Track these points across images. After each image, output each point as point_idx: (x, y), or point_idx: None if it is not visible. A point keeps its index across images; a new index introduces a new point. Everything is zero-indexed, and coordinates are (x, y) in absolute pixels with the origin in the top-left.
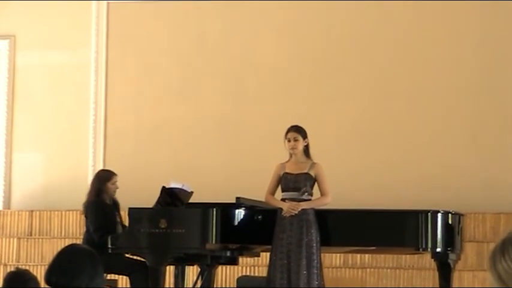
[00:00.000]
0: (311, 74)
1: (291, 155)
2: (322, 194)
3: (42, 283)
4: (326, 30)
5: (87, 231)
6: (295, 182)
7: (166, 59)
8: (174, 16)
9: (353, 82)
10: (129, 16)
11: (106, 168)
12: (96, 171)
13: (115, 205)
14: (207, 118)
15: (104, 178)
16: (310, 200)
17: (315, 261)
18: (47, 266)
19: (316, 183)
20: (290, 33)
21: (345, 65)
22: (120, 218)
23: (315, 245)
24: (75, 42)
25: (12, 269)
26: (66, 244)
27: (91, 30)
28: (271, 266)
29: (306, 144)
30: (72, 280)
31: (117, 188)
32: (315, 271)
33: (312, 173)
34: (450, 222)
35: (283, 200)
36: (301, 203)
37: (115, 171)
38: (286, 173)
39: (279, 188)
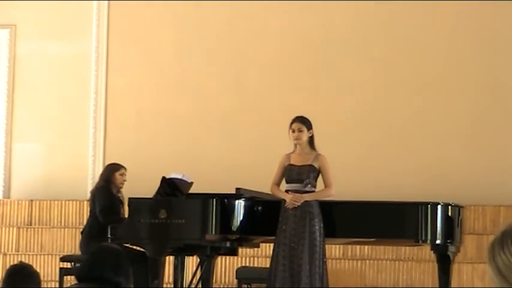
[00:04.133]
0: (312, 66)
1: (295, 146)
2: (326, 185)
3: (43, 277)
4: (327, 23)
5: (91, 216)
6: (299, 174)
7: (168, 50)
8: (175, 7)
9: (355, 75)
10: (130, 7)
11: (106, 158)
12: (96, 161)
13: (120, 200)
14: (208, 108)
15: (112, 168)
16: (313, 191)
17: (318, 253)
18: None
19: (320, 175)
20: (291, 26)
21: (347, 58)
22: (124, 213)
23: (318, 236)
24: (76, 33)
25: (16, 263)
26: (66, 234)
27: (92, 21)
28: (273, 257)
29: (310, 135)
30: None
31: (125, 180)
32: (318, 263)
33: (316, 165)
34: (450, 214)
35: (287, 191)
36: (304, 194)
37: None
38: (291, 165)
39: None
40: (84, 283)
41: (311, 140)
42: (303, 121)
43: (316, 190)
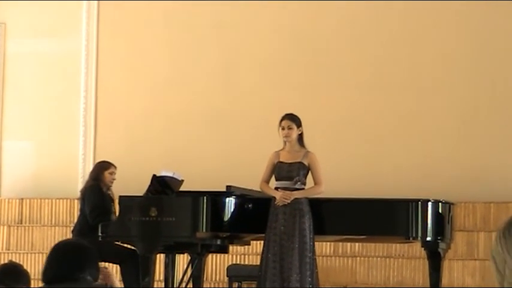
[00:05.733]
0: (304, 63)
1: (285, 143)
2: (316, 183)
3: (33, 276)
4: (319, 19)
5: (81, 214)
6: (289, 171)
7: (158, 48)
8: (165, 5)
9: (346, 72)
10: (120, 4)
11: (96, 156)
12: (87, 159)
13: (110, 197)
14: (198, 107)
15: (102, 167)
16: (303, 189)
17: (308, 250)
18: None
19: (310, 172)
20: (282, 23)
21: (339, 56)
22: (115, 211)
23: (308, 234)
24: (66, 30)
25: (6, 262)
26: (56, 232)
27: (82, 18)
28: (263, 254)
29: (300, 132)
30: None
31: (114, 179)
32: (308, 260)
33: (306, 162)
34: (440, 211)
35: (276, 188)
36: (294, 192)
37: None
38: (280, 162)
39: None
40: (52, 284)
41: (300, 138)
42: (293, 118)
43: (306, 187)
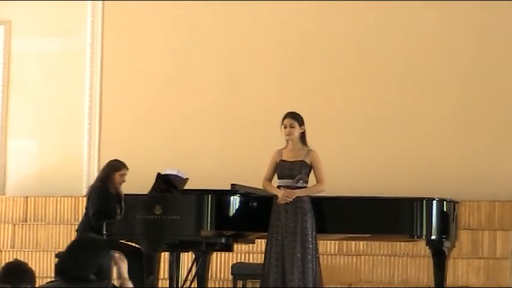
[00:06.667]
0: (306, 61)
1: (287, 142)
2: (318, 181)
3: (38, 274)
4: (320, 18)
5: (86, 214)
6: (291, 170)
7: (162, 47)
8: (169, 4)
9: (348, 72)
10: (124, 3)
11: (101, 155)
12: (91, 157)
13: (118, 197)
14: (202, 105)
15: (113, 167)
16: (305, 187)
17: (310, 248)
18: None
19: (312, 171)
20: (284, 20)
21: (340, 55)
22: (121, 210)
23: (310, 232)
24: (71, 29)
25: (11, 260)
26: (61, 230)
27: (87, 17)
28: (266, 253)
29: (302, 131)
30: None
31: (124, 181)
32: (310, 258)
33: (308, 161)
34: (445, 209)
35: (279, 187)
36: (295, 190)
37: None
38: (283, 160)
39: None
40: (64, 279)
41: (303, 136)
42: (295, 117)
43: (308, 186)
